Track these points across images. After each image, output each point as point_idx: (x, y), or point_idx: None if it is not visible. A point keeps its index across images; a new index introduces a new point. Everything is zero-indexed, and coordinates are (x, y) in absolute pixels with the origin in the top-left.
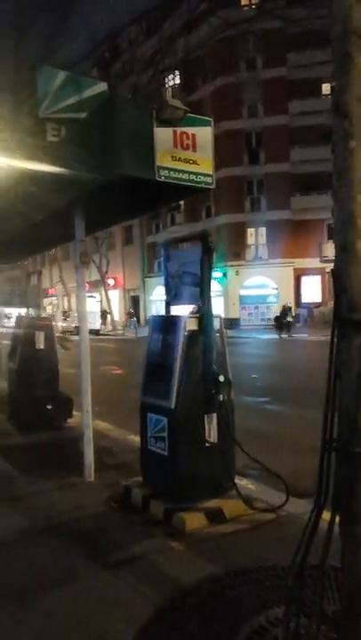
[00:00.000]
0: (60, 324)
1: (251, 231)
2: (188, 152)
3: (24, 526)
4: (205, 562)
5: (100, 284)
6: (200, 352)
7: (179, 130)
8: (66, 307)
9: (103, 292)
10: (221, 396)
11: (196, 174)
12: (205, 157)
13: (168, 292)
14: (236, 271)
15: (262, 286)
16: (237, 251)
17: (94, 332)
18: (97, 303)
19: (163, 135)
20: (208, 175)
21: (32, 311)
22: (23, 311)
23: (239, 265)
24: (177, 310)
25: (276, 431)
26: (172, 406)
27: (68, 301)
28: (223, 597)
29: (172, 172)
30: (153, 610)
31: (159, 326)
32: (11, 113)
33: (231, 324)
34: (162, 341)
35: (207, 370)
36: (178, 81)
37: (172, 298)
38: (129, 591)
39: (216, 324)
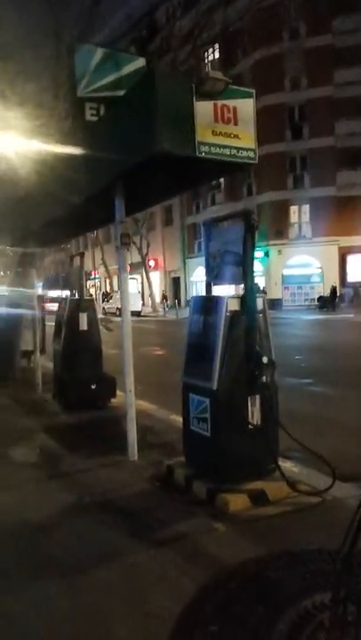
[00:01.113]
0: (102, 306)
1: (294, 209)
2: (230, 126)
3: (71, 502)
4: (249, 543)
5: (141, 265)
6: (242, 333)
7: (219, 103)
8: (108, 288)
9: (144, 274)
10: (265, 377)
11: (238, 149)
12: (248, 131)
13: (209, 272)
14: (279, 250)
15: (306, 265)
16: (280, 229)
17: (135, 314)
18: (138, 285)
19: (203, 109)
20: (251, 150)
21: (75, 293)
22: (67, 293)
23: (282, 244)
24: (219, 291)
25: (320, 413)
26: (215, 387)
27: (110, 283)
28: (268, 579)
29: (212, 148)
30: (196, 589)
31: (200, 307)
32: (50, 99)
33: (273, 304)
34: (203, 322)
35: (250, 351)
36: (217, 55)
37: (214, 278)
38: (173, 569)
39: (259, 304)
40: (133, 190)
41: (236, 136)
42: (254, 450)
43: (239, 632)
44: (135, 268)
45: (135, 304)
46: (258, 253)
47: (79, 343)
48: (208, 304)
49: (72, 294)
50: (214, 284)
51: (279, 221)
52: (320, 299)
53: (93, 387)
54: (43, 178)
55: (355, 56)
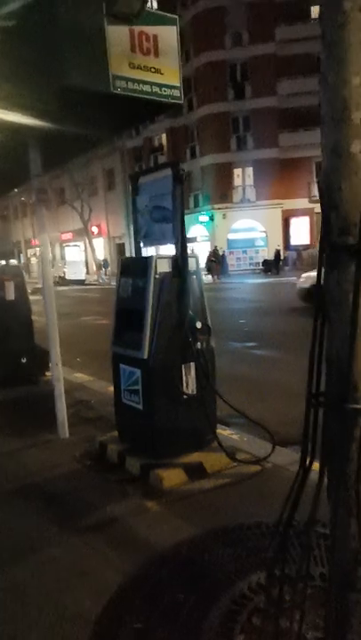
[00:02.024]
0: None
1: (237, 172)
2: (150, 58)
3: None
4: (184, 522)
5: (84, 232)
6: (174, 296)
7: (137, 29)
8: (51, 257)
9: (87, 241)
10: (199, 343)
11: (160, 86)
12: (171, 65)
13: (137, 230)
14: (224, 214)
15: (250, 230)
16: (224, 193)
17: (79, 282)
18: (81, 252)
19: (117, 35)
20: (175, 87)
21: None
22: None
23: (226, 208)
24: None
25: (263, 377)
26: (145, 357)
27: (53, 252)
28: (202, 562)
29: (130, 83)
30: (122, 581)
31: (128, 269)
32: None
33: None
34: (132, 286)
35: (182, 315)
36: (155, 6)
37: (142, 237)
38: (98, 560)
39: (192, 264)
40: (49, 140)
41: (157, 70)
42: (191, 421)
43: (168, 627)
44: (77, 234)
45: (78, 272)
46: (203, 217)
47: (5, 314)
48: (136, 266)
49: None
50: (144, 245)
51: (223, 185)
52: (264, 262)
53: (24, 360)
54: None
55: (297, 13)
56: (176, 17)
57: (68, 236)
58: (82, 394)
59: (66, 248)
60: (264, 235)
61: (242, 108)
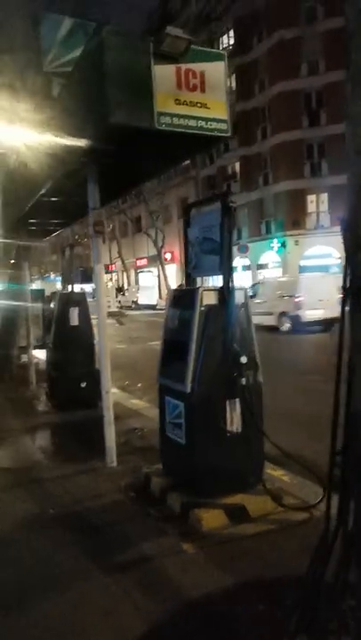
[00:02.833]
0: (117, 299)
1: (311, 198)
2: (196, 93)
3: (33, 515)
4: (220, 570)
5: (157, 258)
6: (219, 329)
7: (183, 67)
8: (125, 282)
9: (160, 267)
10: (245, 379)
11: (207, 120)
12: (218, 99)
13: (188, 261)
14: (296, 241)
15: (324, 256)
16: (297, 219)
17: (151, 307)
18: (154, 278)
19: (163, 74)
20: (222, 121)
21: (68, 287)
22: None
23: (299, 234)
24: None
25: (326, 413)
26: (188, 390)
27: (128, 277)
28: (233, 617)
29: (175, 119)
30: (147, 629)
31: (176, 301)
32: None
33: None
34: (178, 317)
35: (227, 350)
36: (232, 41)
37: (193, 268)
38: (126, 602)
39: (239, 297)
40: (106, 175)
41: (203, 105)
42: (235, 460)
43: None
44: (151, 261)
45: (151, 297)
46: (274, 244)
47: (69, 339)
48: (183, 297)
49: (64, 288)
50: (194, 275)
51: (296, 211)
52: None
53: (83, 385)
54: (18, 164)
55: None
56: (224, 52)
57: (143, 262)
58: (136, 421)
59: (140, 274)
60: (339, 261)
61: (317, 135)
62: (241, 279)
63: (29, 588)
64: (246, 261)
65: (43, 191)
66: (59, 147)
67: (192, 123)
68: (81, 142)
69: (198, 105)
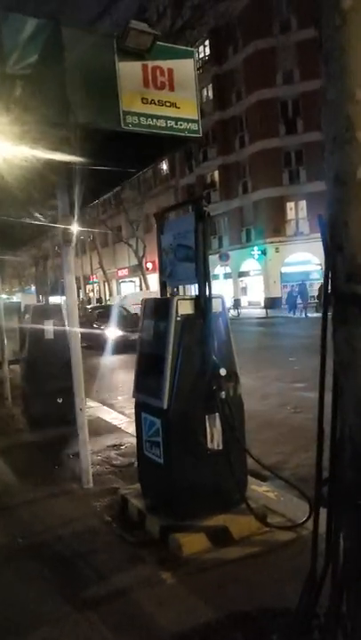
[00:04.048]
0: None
1: (290, 205)
2: (164, 92)
3: (1, 546)
4: (200, 601)
5: (139, 268)
6: (197, 341)
7: (150, 64)
8: (107, 293)
9: (142, 277)
10: (224, 392)
11: (177, 120)
12: (188, 98)
13: (162, 269)
14: (276, 248)
15: (305, 263)
16: (277, 227)
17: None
18: (136, 288)
19: (129, 71)
20: (193, 121)
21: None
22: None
23: (279, 241)
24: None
25: (312, 423)
26: (165, 406)
27: (109, 287)
28: None
29: (142, 119)
30: None
31: (151, 311)
32: None
33: (273, 302)
34: (153, 329)
35: (206, 362)
36: (208, 51)
37: (167, 277)
38: None
39: (217, 306)
40: (77, 181)
41: (173, 104)
42: (216, 478)
43: None
44: (133, 270)
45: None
46: (255, 251)
47: (44, 353)
48: (158, 308)
49: (39, 300)
50: (169, 284)
51: (276, 219)
52: (319, 296)
53: (60, 400)
54: None
55: None
56: (193, 50)
57: (125, 272)
58: (115, 437)
59: (122, 284)
60: (320, 267)
61: (294, 143)
62: (222, 287)
63: None
64: (228, 269)
65: (11, 202)
66: (24, 154)
67: (161, 123)
68: (46, 149)
69: (168, 104)
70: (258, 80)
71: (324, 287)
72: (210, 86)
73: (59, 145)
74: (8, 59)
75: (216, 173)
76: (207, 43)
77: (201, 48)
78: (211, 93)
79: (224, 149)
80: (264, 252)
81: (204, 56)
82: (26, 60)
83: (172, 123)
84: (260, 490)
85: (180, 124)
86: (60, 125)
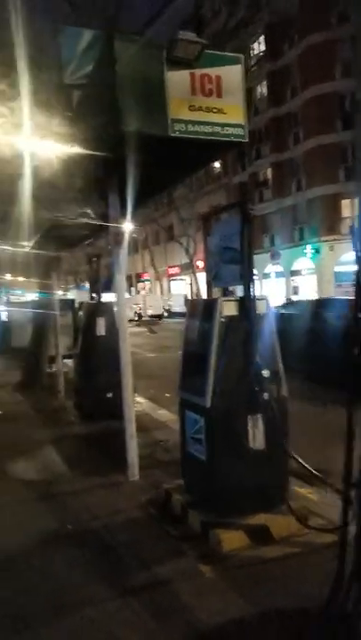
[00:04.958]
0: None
1: (346, 203)
2: (212, 99)
3: (50, 531)
4: (237, 595)
5: (190, 267)
6: (240, 341)
7: (198, 72)
8: (159, 290)
9: (192, 275)
10: (267, 393)
11: (223, 125)
12: (235, 103)
13: (208, 271)
14: (331, 246)
15: None
16: (331, 225)
17: (183, 315)
18: (187, 286)
19: (177, 80)
20: (239, 126)
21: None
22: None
23: (334, 240)
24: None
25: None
26: (208, 405)
27: (160, 285)
28: None
29: (189, 126)
30: None
31: (195, 311)
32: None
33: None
34: (198, 329)
35: (249, 363)
36: (263, 47)
37: (213, 278)
38: (137, 629)
39: (261, 307)
40: (128, 185)
41: (219, 110)
42: (258, 478)
43: None
44: (184, 268)
45: (183, 305)
46: (308, 250)
47: (96, 349)
48: (203, 308)
49: (91, 298)
50: (214, 285)
51: (331, 216)
52: None
53: (109, 395)
54: (47, 176)
55: None
56: (241, 56)
57: (176, 270)
58: (161, 433)
59: (172, 282)
60: None
61: (351, 138)
62: (274, 286)
63: (37, 610)
64: (279, 268)
65: (67, 202)
66: (79, 158)
67: (207, 129)
68: (99, 153)
69: (214, 110)
70: (314, 74)
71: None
72: (264, 83)
73: (109, 150)
74: (65, 69)
75: (269, 171)
76: (262, 39)
77: (256, 45)
78: (265, 90)
79: (278, 146)
80: (318, 251)
81: (259, 52)
82: (81, 70)
83: (219, 128)
84: (301, 491)
85: (227, 130)
86: (111, 132)
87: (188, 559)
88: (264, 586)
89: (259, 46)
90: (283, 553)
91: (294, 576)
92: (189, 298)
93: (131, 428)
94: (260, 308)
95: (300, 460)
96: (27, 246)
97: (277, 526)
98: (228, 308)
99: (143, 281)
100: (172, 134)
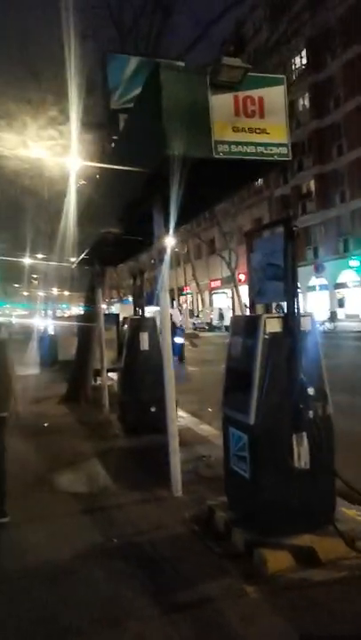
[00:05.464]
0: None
1: None
2: (254, 120)
3: (96, 544)
4: (282, 619)
5: (231, 280)
6: (284, 359)
7: (241, 94)
8: (200, 304)
9: (234, 288)
10: (312, 412)
11: (266, 145)
12: (277, 123)
13: (251, 287)
14: None
15: None
16: None
17: (225, 329)
18: (228, 299)
19: (221, 103)
20: (282, 145)
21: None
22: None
23: None
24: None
25: None
26: (252, 422)
27: (202, 299)
28: None
29: (233, 147)
30: None
31: (239, 328)
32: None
33: None
34: (242, 345)
35: (293, 380)
36: (304, 61)
37: (256, 294)
38: None
39: (306, 324)
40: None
41: (262, 131)
42: (303, 497)
43: None
44: (226, 282)
45: (225, 319)
46: (353, 262)
47: (139, 364)
48: (246, 325)
49: (135, 313)
50: (257, 302)
51: None
52: None
53: (153, 409)
54: (90, 197)
55: None
56: (283, 77)
57: (217, 283)
58: (204, 448)
59: (214, 295)
60: None
61: None
62: (318, 299)
63: (83, 621)
64: (323, 281)
65: (112, 220)
66: (124, 178)
67: (250, 149)
68: (143, 174)
69: (257, 131)
70: (358, 85)
71: None
72: (306, 95)
73: (154, 170)
74: (112, 94)
75: (312, 183)
76: (303, 52)
77: (297, 59)
78: (307, 102)
79: (321, 158)
80: None
81: (301, 65)
82: (127, 95)
83: (262, 148)
84: (350, 513)
85: (270, 149)
86: (157, 155)
87: (233, 578)
88: (311, 610)
89: (300, 60)
90: (330, 577)
91: (342, 602)
92: (219, 311)
93: (174, 443)
94: (305, 324)
95: (347, 481)
96: (73, 262)
97: (324, 548)
98: (272, 325)
99: (185, 294)
100: (216, 156)
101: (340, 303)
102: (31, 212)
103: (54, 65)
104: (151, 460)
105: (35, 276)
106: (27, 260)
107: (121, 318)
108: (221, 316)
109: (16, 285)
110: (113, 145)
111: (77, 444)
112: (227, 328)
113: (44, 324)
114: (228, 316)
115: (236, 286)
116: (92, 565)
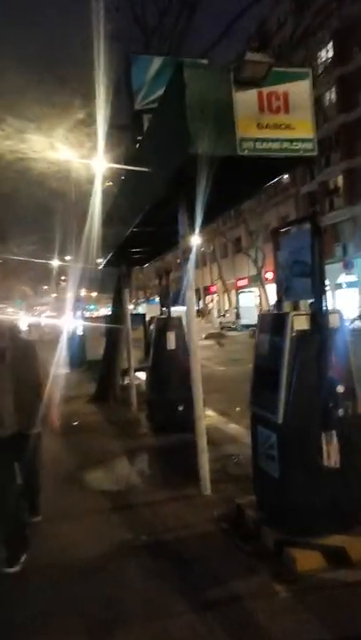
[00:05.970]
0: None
1: None
2: (279, 115)
3: (126, 541)
4: (312, 618)
5: (258, 278)
6: (312, 357)
7: (265, 90)
8: (227, 303)
9: (261, 287)
10: (342, 410)
11: (291, 141)
12: (303, 118)
13: (279, 285)
14: None
15: None
16: None
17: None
18: (256, 298)
19: (245, 100)
20: (307, 140)
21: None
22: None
23: None
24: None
25: None
26: (280, 420)
27: (228, 298)
28: None
29: (258, 143)
30: None
31: (267, 326)
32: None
33: None
34: (269, 343)
35: (322, 378)
36: (330, 54)
37: (284, 292)
38: None
39: (334, 321)
40: (197, 202)
41: (287, 126)
42: (333, 497)
43: None
44: (252, 280)
45: (251, 317)
46: None
47: (166, 363)
48: (274, 322)
49: (161, 312)
50: (285, 299)
51: None
52: None
53: (180, 408)
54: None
55: None
56: (308, 70)
57: (244, 282)
58: (232, 447)
59: (240, 294)
60: None
61: None
62: (347, 296)
63: (113, 618)
64: (353, 278)
65: (137, 221)
66: (149, 177)
67: (275, 145)
68: (168, 173)
69: (283, 126)
70: None
71: None
72: (333, 89)
73: (179, 170)
74: (136, 95)
75: (340, 178)
76: (330, 45)
77: (323, 53)
78: (334, 96)
79: (349, 153)
80: None
81: (327, 59)
82: (151, 95)
83: (287, 144)
84: None
85: (296, 145)
86: (181, 154)
87: (262, 577)
88: (342, 610)
89: (326, 53)
90: None
91: None
92: (239, 309)
93: (202, 442)
94: (333, 321)
95: None
96: (100, 263)
97: (356, 549)
98: (300, 323)
99: (211, 294)
100: (241, 153)
101: None
102: (59, 215)
103: (78, 68)
104: (179, 458)
105: (63, 277)
106: (55, 262)
107: (147, 318)
108: (238, 315)
109: (45, 287)
110: (137, 146)
111: (106, 442)
112: (243, 327)
113: (73, 324)
114: (249, 314)
115: (263, 285)
116: (122, 563)
